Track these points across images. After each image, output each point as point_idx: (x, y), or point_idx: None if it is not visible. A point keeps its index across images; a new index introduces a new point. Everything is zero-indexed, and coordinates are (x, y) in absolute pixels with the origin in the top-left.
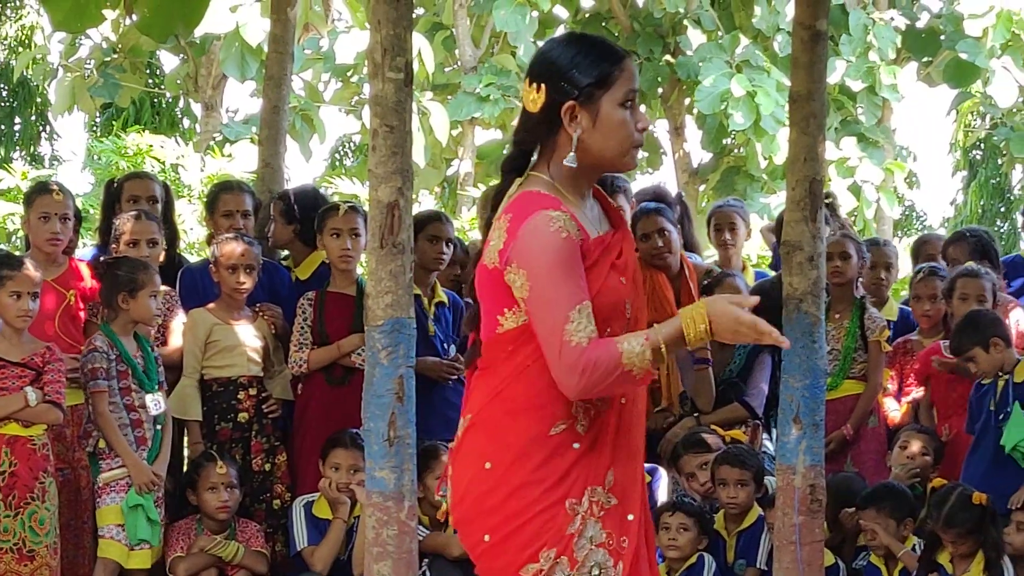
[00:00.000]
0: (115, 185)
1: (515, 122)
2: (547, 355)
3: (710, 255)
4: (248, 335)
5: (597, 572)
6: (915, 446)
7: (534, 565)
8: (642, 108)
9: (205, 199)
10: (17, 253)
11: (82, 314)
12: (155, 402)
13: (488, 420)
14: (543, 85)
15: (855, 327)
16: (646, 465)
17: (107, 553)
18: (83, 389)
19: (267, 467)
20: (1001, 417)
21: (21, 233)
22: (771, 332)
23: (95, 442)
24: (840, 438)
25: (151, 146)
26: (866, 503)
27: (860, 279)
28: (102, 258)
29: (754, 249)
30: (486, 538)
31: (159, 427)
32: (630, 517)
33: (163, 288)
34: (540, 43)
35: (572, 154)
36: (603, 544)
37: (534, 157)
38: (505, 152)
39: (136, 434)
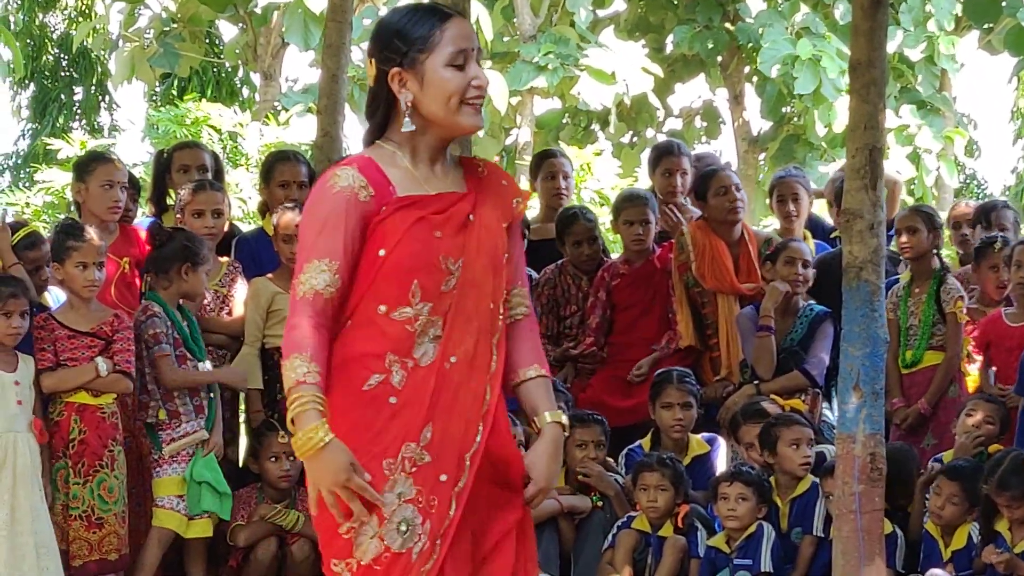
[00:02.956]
0: (165, 155)
1: (572, 91)
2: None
3: (768, 224)
4: None
5: (404, 528)
6: (979, 415)
7: (348, 522)
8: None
9: (260, 168)
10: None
11: (137, 281)
12: (206, 370)
13: (328, 379)
14: (372, 59)
15: (932, 299)
16: (705, 434)
17: (164, 523)
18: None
19: None
20: None
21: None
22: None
23: (155, 413)
24: (917, 413)
25: (208, 115)
26: (947, 474)
27: (936, 252)
28: (166, 226)
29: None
30: (312, 494)
31: (212, 395)
32: (443, 478)
33: (224, 259)
34: (600, 11)
35: (407, 119)
36: (412, 500)
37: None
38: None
39: (195, 402)
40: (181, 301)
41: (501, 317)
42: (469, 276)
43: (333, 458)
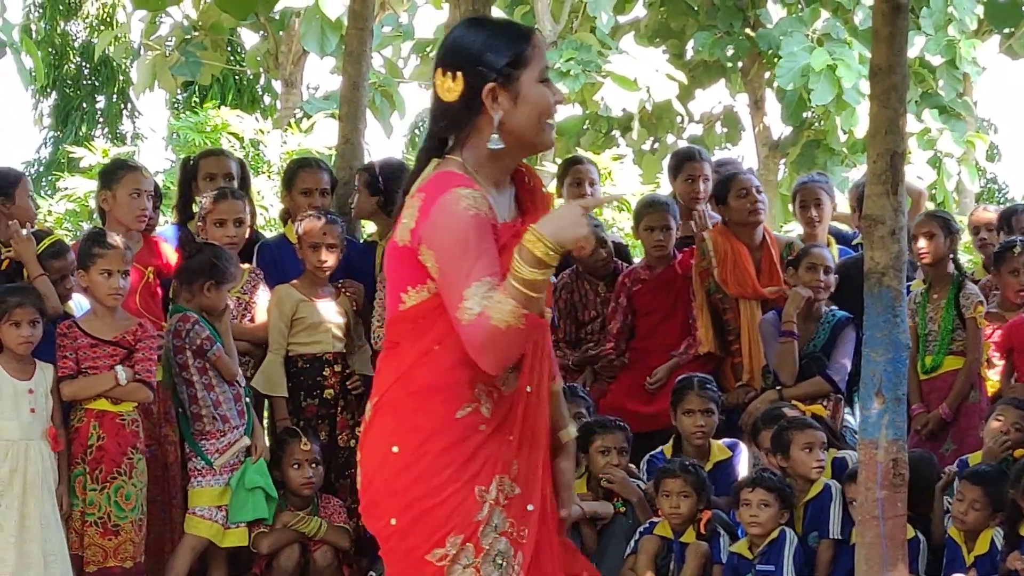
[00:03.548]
0: (191, 163)
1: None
2: (453, 322)
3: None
4: (332, 312)
5: (501, 561)
6: (1007, 419)
7: (440, 550)
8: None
9: (282, 175)
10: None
11: (159, 291)
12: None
13: (393, 402)
14: (459, 72)
15: (951, 305)
16: (727, 440)
17: (200, 531)
18: (175, 366)
19: (352, 443)
20: None
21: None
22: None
23: (209, 423)
24: (937, 418)
25: (228, 123)
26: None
27: (952, 256)
28: (199, 239)
29: None
30: (392, 521)
31: (248, 400)
32: (530, 507)
33: (246, 266)
34: (620, 17)
35: (495, 136)
36: (506, 533)
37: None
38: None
39: (237, 408)
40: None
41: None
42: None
43: (558, 219)
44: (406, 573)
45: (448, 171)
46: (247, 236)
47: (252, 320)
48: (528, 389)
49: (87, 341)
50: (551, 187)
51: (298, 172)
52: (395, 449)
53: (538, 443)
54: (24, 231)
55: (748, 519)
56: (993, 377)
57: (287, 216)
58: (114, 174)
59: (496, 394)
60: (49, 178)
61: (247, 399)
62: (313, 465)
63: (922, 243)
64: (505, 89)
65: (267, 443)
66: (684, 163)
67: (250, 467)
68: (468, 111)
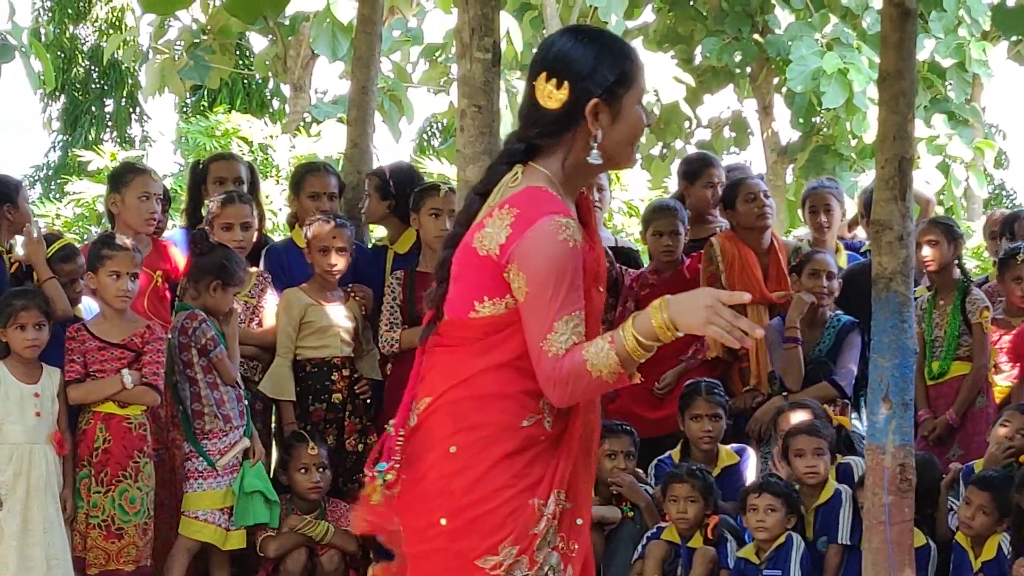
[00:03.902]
0: (201, 166)
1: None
2: (533, 363)
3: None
4: (340, 316)
5: (552, 575)
6: (1013, 425)
7: (493, 557)
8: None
9: (290, 179)
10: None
11: (168, 294)
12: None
13: (454, 403)
14: (566, 82)
15: (957, 310)
16: (735, 445)
17: (201, 535)
18: (179, 363)
19: (360, 447)
20: None
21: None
22: (741, 324)
23: (210, 422)
24: (944, 423)
25: (238, 127)
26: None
27: (958, 262)
28: (211, 239)
29: None
30: (442, 521)
31: (245, 403)
32: (579, 521)
33: (254, 269)
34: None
35: (596, 151)
36: (557, 548)
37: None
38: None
39: (239, 408)
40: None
41: None
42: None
43: (684, 300)
44: (451, 575)
45: (538, 187)
46: (255, 240)
47: (260, 324)
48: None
49: (95, 344)
50: None
51: (306, 176)
52: (453, 449)
53: (591, 456)
54: (35, 234)
55: (755, 524)
56: (1001, 383)
57: (294, 220)
58: (123, 177)
59: (558, 409)
60: (57, 182)
61: (245, 401)
62: (320, 469)
63: (926, 251)
64: (608, 106)
65: (273, 447)
66: (701, 169)
67: (248, 471)
68: (567, 122)
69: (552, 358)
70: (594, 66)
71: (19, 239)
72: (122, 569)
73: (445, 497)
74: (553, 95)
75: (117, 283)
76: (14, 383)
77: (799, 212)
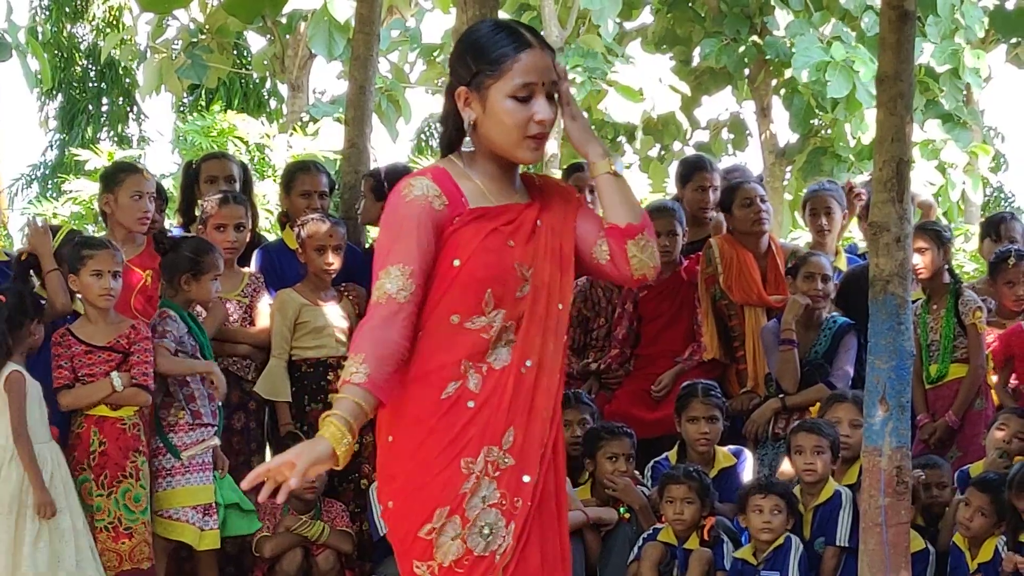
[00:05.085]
0: (193, 166)
1: (599, 105)
2: None
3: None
4: (335, 315)
5: (488, 532)
6: (1010, 428)
7: (429, 524)
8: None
9: (281, 178)
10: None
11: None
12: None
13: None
14: (448, 69)
15: (951, 313)
16: (731, 447)
17: (177, 535)
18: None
19: (355, 447)
20: None
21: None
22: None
23: (175, 414)
24: (944, 426)
25: (234, 126)
26: (977, 486)
27: (947, 267)
28: (169, 234)
29: None
30: (390, 504)
31: (219, 404)
32: (526, 479)
33: (247, 270)
34: (625, 23)
35: (468, 138)
36: (496, 504)
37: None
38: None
39: (211, 407)
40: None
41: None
42: (540, 280)
43: (303, 453)
44: (404, 554)
45: (435, 166)
46: (248, 240)
47: (253, 324)
48: (528, 364)
49: (82, 348)
50: None
51: (296, 175)
52: (390, 439)
53: (537, 416)
54: (40, 224)
55: (761, 525)
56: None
57: (285, 220)
58: (115, 177)
59: (486, 368)
60: (55, 181)
61: (219, 403)
62: None
63: (916, 258)
64: (475, 95)
65: (267, 447)
66: (695, 172)
67: (221, 483)
68: (452, 108)
69: (372, 303)
70: (468, 55)
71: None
72: (137, 568)
73: (388, 483)
74: (446, 81)
75: (100, 282)
76: None
77: (798, 214)
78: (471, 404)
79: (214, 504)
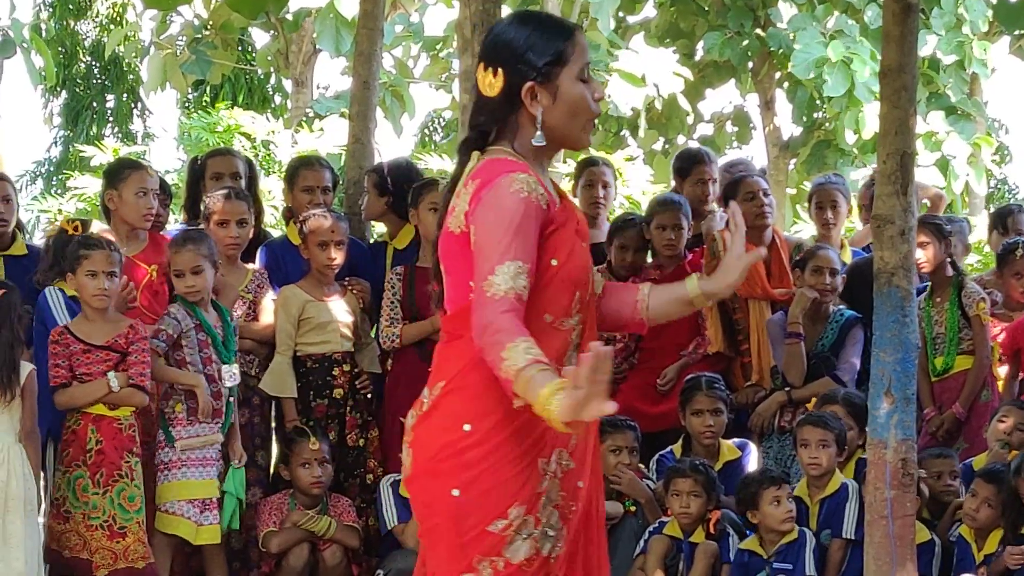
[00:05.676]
0: (199, 162)
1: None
2: (473, 304)
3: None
4: (340, 310)
5: (551, 532)
6: (1011, 420)
7: (502, 521)
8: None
9: (284, 174)
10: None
11: (165, 287)
12: (230, 374)
13: (467, 385)
14: (499, 69)
15: (955, 306)
16: (735, 440)
17: (174, 529)
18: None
19: (361, 442)
20: None
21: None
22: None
23: (173, 406)
24: (952, 418)
25: (240, 123)
26: (984, 477)
27: (950, 259)
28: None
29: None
30: (455, 492)
31: (232, 399)
32: (580, 484)
33: (251, 266)
34: (628, 16)
35: (540, 133)
36: (559, 506)
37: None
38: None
39: (215, 405)
40: (214, 298)
41: None
42: (594, 285)
43: (564, 406)
44: (464, 547)
45: (498, 157)
46: (251, 236)
47: (256, 319)
48: None
49: (80, 347)
50: (566, 187)
51: (299, 170)
52: (467, 428)
53: (590, 424)
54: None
55: (784, 515)
56: (1001, 372)
57: (289, 215)
58: (119, 173)
59: (563, 371)
60: (59, 177)
61: (232, 398)
62: (322, 464)
63: (918, 253)
64: (544, 87)
65: (274, 443)
66: (692, 166)
67: (235, 474)
68: (509, 107)
69: (490, 299)
70: (525, 49)
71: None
72: (132, 567)
73: (459, 470)
74: (492, 84)
75: (94, 282)
76: None
77: (802, 208)
78: None
79: (214, 499)
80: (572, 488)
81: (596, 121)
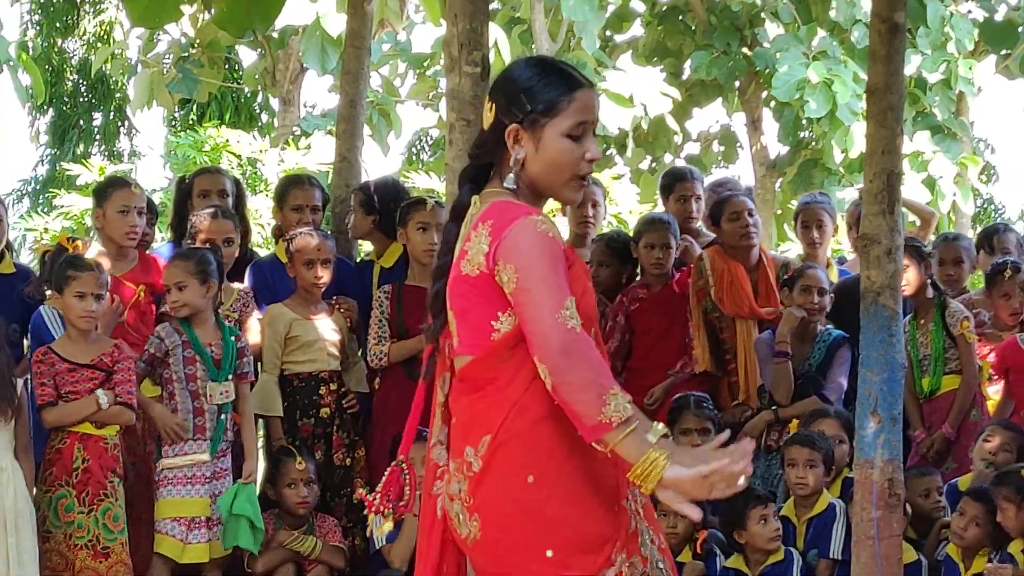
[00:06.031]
0: (186, 181)
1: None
2: (532, 333)
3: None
4: (327, 329)
5: (661, 565)
6: (997, 440)
7: (611, 569)
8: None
9: (274, 192)
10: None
11: (153, 307)
12: (220, 392)
13: (517, 434)
14: (494, 104)
15: (939, 326)
16: None
17: (160, 547)
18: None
19: (348, 462)
20: None
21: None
22: (737, 472)
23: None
24: (942, 438)
25: (227, 141)
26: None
27: (931, 280)
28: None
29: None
30: (549, 553)
31: (224, 416)
32: (654, 516)
33: (237, 286)
34: (615, 35)
35: (511, 175)
36: (654, 540)
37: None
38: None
39: (196, 422)
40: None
41: None
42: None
43: (679, 475)
44: None
45: (503, 200)
46: (236, 255)
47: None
48: None
49: (65, 367)
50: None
51: (290, 188)
52: (531, 479)
53: None
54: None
55: (772, 534)
56: (994, 395)
57: (279, 234)
58: (104, 191)
59: None
60: (46, 195)
61: (224, 415)
62: (308, 484)
63: None
64: (529, 133)
65: (261, 462)
66: (676, 183)
67: (241, 492)
68: (496, 144)
69: (571, 329)
70: (521, 92)
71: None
72: None
73: (543, 528)
74: (487, 116)
75: (82, 303)
76: None
77: (788, 227)
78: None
79: (203, 518)
80: (654, 522)
81: (580, 180)
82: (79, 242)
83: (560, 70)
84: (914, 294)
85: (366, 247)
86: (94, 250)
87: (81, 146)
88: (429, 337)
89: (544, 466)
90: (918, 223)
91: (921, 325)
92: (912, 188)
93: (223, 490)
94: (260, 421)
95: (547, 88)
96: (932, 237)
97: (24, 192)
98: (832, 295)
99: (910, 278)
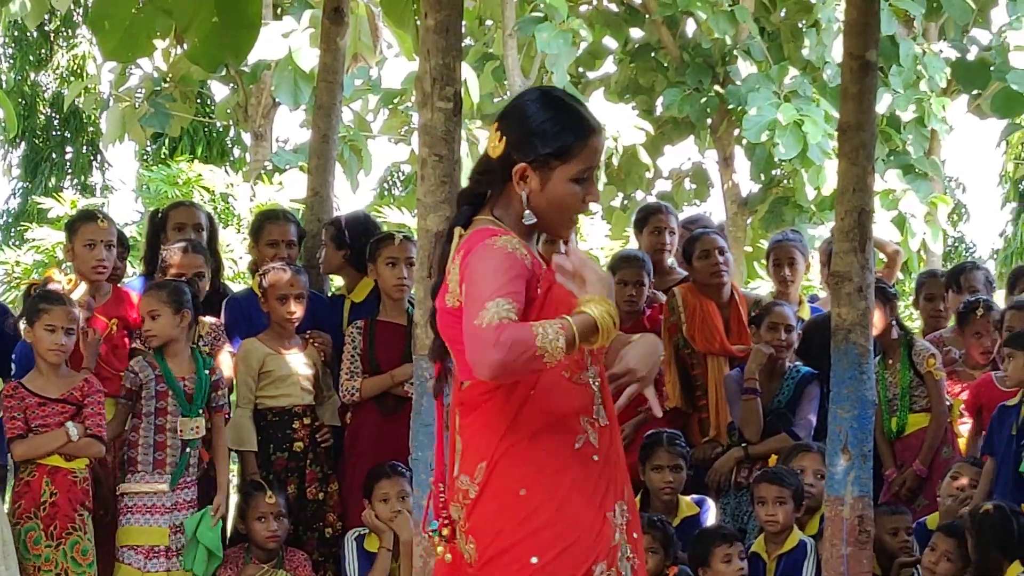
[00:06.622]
0: (160, 214)
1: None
2: (466, 344)
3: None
4: (300, 364)
5: None
6: (964, 478)
7: None
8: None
9: (250, 227)
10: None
11: (126, 341)
12: (192, 427)
13: (510, 452)
14: (506, 137)
15: (906, 366)
16: (694, 496)
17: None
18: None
19: (320, 496)
20: (1023, 442)
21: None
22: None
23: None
24: (913, 475)
25: (200, 175)
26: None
27: (895, 321)
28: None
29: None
30: (534, 560)
31: (188, 450)
32: (635, 535)
33: (209, 320)
34: (588, 72)
35: (528, 212)
36: (629, 558)
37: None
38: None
39: (157, 456)
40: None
41: None
42: None
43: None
44: None
45: (481, 228)
46: (208, 289)
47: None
48: (607, 421)
49: (34, 401)
50: None
51: (265, 224)
52: (523, 492)
53: (628, 474)
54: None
55: (765, 517)
56: (965, 433)
57: (255, 268)
58: (72, 225)
59: (597, 425)
60: (17, 229)
61: (190, 449)
62: (278, 518)
63: None
64: (537, 172)
65: (232, 496)
66: (650, 216)
67: (206, 522)
68: (500, 174)
69: (487, 326)
70: (536, 132)
71: None
72: None
73: (531, 537)
74: (495, 147)
75: (52, 337)
76: None
77: (760, 265)
78: (596, 458)
79: (162, 547)
80: (634, 541)
81: (575, 218)
82: (71, 278)
83: (574, 112)
84: (880, 335)
85: (338, 281)
86: (83, 288)
87: (53, 179)
88: (433, 356)
89: (536, 479)
90: (885, 261)
91: (889, 365)
92: (883, 226)
93: (183, 521)
94: (234, 455)
95: (562, 133)
96: (900, 275)
97: None
98: (800, 332)
99: (875, 320)
